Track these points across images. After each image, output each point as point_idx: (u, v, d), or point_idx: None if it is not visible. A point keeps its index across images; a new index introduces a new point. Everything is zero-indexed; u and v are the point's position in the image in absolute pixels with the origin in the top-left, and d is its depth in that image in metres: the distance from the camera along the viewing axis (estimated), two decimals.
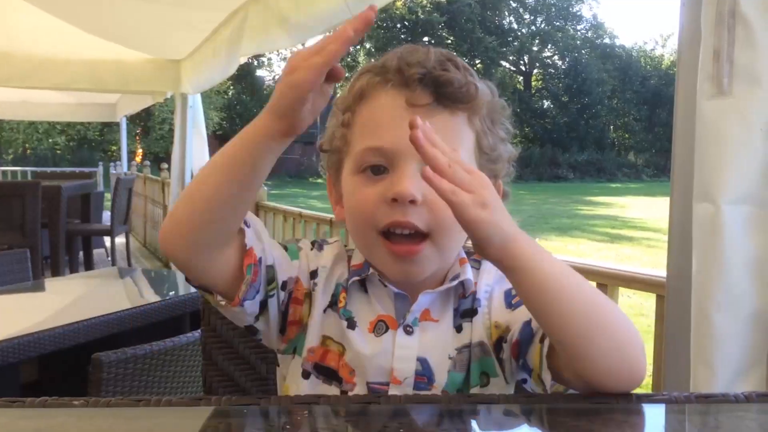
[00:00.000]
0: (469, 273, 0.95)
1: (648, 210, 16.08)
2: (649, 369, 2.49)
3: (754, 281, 1.25)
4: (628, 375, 0.77)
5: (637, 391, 0.79)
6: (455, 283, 0.93)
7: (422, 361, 0.90)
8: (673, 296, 1.47)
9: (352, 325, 0.92)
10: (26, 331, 2.12)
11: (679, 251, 1.43)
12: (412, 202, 0.84)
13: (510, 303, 0.94)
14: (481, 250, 0.75)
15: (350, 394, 0.90)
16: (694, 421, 0.77)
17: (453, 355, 0.91)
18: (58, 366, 2.51)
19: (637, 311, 6.64)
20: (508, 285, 0.93)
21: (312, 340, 0.94)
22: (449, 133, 0.87)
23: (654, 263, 9.42)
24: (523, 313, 0.88)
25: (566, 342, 0.76)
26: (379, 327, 0.92)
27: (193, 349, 2.03)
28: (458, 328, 0.93)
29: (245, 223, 0.88)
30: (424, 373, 0.89)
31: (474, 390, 0.91)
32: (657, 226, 13.69)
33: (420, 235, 0.87)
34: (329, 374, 0.93)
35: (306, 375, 0.94)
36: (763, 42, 1.23)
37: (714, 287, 1.26)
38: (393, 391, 0.89)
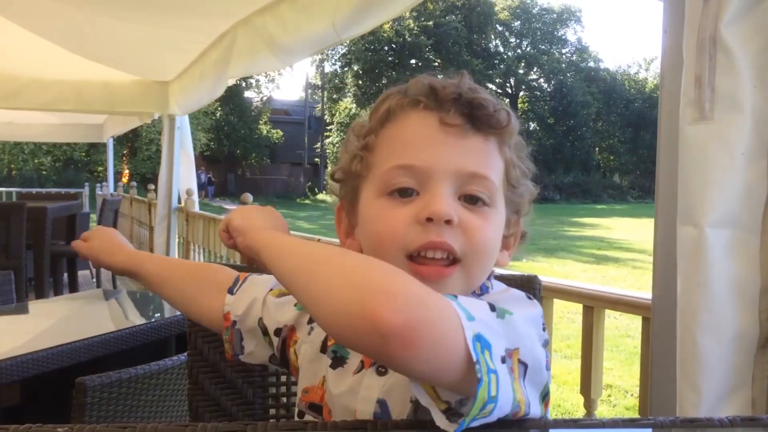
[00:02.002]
0: None
1: (633, 231, 16.19)
2: (636, 391, 2.48)
3: (737, 304, 1.26)
4: (360, 315, 0.60)
5: (624, 415, 0.78)
6: None
7: (381, 403, 0.84)
8: (658, 318, 1.49)
9: (336, 363, 0.89)
10: (8, 354, 2.09)
11: (664, 273, 1.45)
12: (448, 222, 0.79)
13: None
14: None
15: None
16: None
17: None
18: (41, 390, 2.47)
19: (624, 332, 6.66)
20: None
21: (308, 380, 0.93)
22: (482, 156, 0.83)
23: (640, 284, 9.47)
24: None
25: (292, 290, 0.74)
26: (358, 366, 0.87)
27: (178, 372, 2.01)
28: None
29: (231, 288, 1.04)
30: (382, 416, 0.83)
31: None
32: (642, 248, 13.77)
33: (451, 260, 0.81)
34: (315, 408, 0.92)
35: (301, 415, 0.92)
36: (744, 69, 1.26)
37: (698, 309, 1.27)
38: None
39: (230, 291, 1.03)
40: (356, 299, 0.60)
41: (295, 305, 0.99)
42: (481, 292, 0.88)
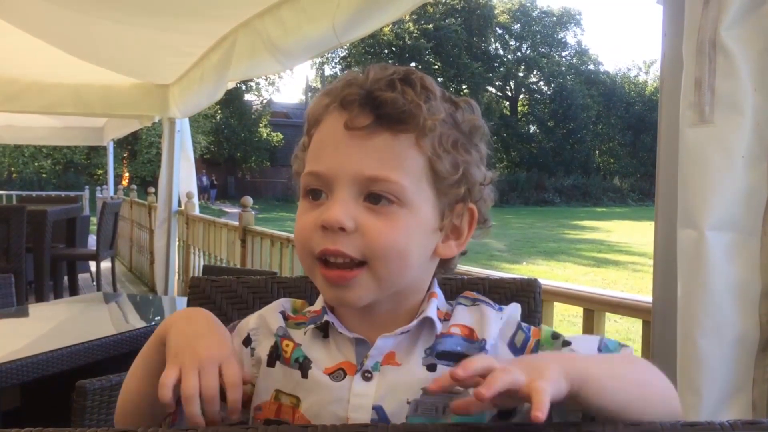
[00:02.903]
0: (432, 310, 0.88)
1: (633, 234, 16.20)
2: None
3: (737, 306, 1.26)
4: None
5: None
6: (415, 323, 0.87)
7: (378, 410, 0.83)
8: (658, 321, 1.49)
9: (305, 372, 0.87)
10: (8, 357, 2.09)
11: (664, 277, 1.44)
12: (342, 229, 0.81)
13: (515, 352, 0.88)
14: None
15: None
16: None
17: (416, 397, 0.83)
18: (41, 393, 2.47)
19: (624, 336, 6.65)
20: (509, 334, 0.89)
21: (260, 397, 0.89)
22: (387, 154, 0.82)
23: (640, 288, 9.47)
24: None
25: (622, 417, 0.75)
26: (338, 374, 0.86)
27: None
28: (431, 368, 0.85)
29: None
30: (380, 422, 0.82)
31: None
32: (642, 251, 13.77)
33: (354, 263, 0.82)
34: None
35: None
36: (744, 71, 1.26)
37: (699, 312, 1.27)
38: None
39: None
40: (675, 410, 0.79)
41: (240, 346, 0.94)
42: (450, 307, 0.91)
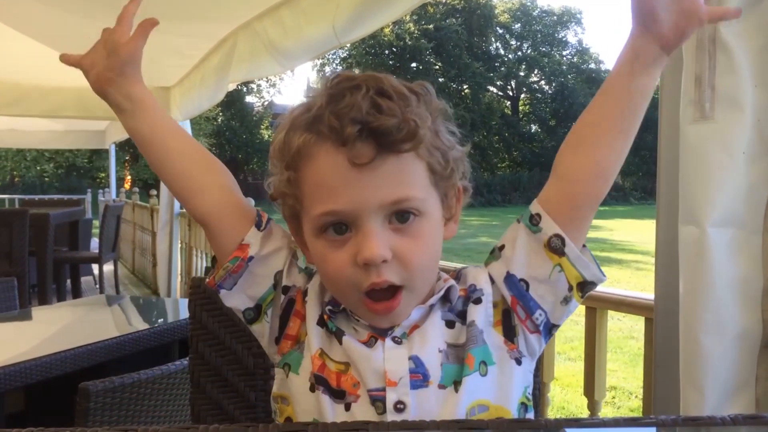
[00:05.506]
0: (452, 282, 0.95)
1: (636, 233, 16.17)
2: (640, 393, 2.47)
3: (739, 303, 1.26)
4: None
5: (626, 414, 0.78)
6: (440, 295, 0.93)
7: (414, 359, 0.88)
8: (661, 319, 1.48)
9: (339, 339, 0.91)
10: (12, 360, 2.09)
11: (667, 274, 1.44)
12: (384, 261, 0.85)
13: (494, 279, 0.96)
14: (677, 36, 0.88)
15: (353, 405, 0.88)
16: None
17: (443, 348, 0.90)
18: (45, 396, 2.47)
19: (627, 334, 6.65)
20: (484, 276, 0.96)
21: (312, 349, 0.93)
22: (399, 175, 0.85)
23: (643, 286, 9.45)
24: (497, 272, 0.94)
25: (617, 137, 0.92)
26: (369, 342, 0.91)
27: (181, 377, 2.01)
28: (449, 324, 0.92)
29: (259, 223, 0.96)
30: (417, 371, 0.88)
31: (472, 379, 0.88)
32: (645, 249, 13.75)
33: (396, 287, 0.87)
34: (327, 386, 0.90)
35: (312, 389, 0.91)
36: (744, 67, 1.26)
37: (701, 309, 1.27)
38: (390, 395, 0.86)
39: (257, 226, 0.97)
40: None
41: (300, 270, 0.99)
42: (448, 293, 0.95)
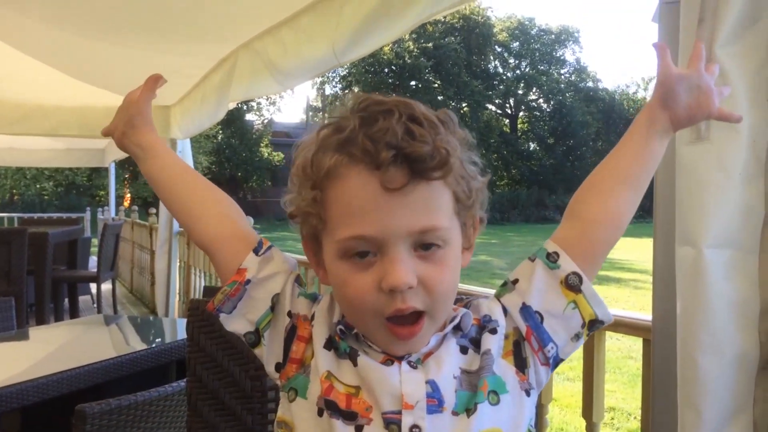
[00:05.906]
0: (465, 311, 0.96)
1: (634, 251, 16.13)
2: (638, 413, 2.46)
3: (737, 324, 1.26)
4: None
5: None
6: (454, 324, 0.94)
7: (431, 383, 0.89)
8: (659, 340, 1.48)
9: (354, 359, 0.91)
10: (8, 381, 2.09)
11: (664, 295, 1.44)
12: (409, 287, 0.85)
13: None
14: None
15: (365, 429, 0.87)
16: None
17: (457, 374, 0.91)
18: (41, 417, 2.46)
19: (626, 354, 6.62)
20: (497, 308, 0.97)
21: (319, 371, 0.93)
22: (429, 203, 0.86)
23: (642, 305, 9.43)
24: (512, 303, 0.96)
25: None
26: (386, 362, 0.91)
27: (178, 399, 2.00)
28: (463, 350, 0.93)
29: (257, 249, 0.99)
30: (434, 395, 0.88)
31: (484, 407, 0.89)
32: (644, 268, 13.72)
33: (418, 313, 0.88)
34: (336, 408, 0.89)
35: (320, 413, 0.90)
36: (739, 88, 1.26)
37: (698, 330, 1.26)
38: (407, 418, 0.86)
39: (256, 251, 1.00)
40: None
41: (303, 296, 1.00)
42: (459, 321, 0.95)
